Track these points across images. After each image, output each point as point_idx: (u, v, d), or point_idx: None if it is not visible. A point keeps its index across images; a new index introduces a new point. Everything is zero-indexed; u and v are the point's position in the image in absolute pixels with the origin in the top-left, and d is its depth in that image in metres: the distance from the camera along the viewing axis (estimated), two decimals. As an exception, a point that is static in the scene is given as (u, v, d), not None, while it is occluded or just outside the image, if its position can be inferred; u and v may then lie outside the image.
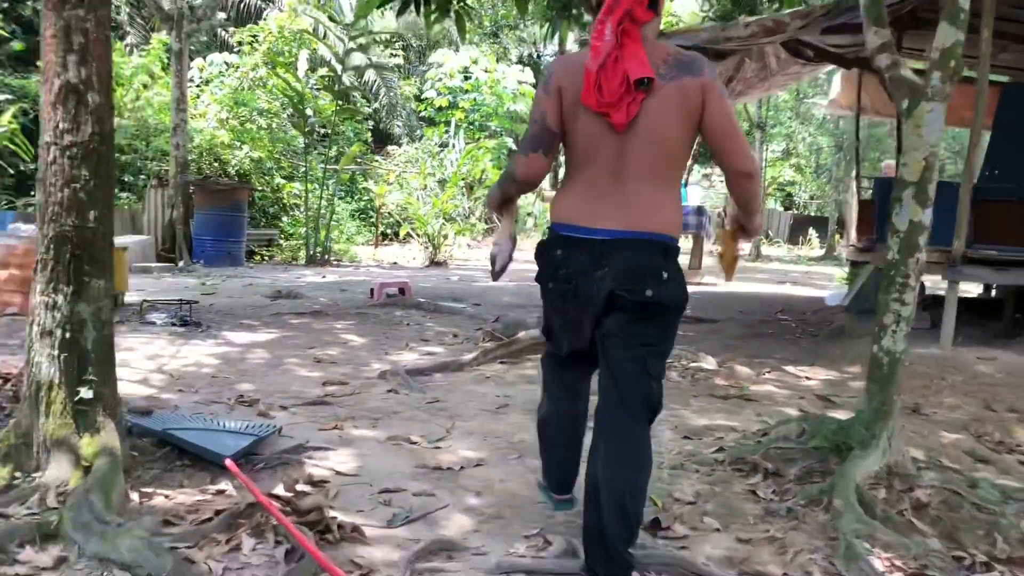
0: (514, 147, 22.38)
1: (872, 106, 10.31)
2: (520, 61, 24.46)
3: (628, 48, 2.18)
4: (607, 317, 2.23)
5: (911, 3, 7.06)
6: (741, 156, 2.24)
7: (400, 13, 7.22)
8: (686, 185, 11.46)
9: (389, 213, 16.71)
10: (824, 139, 22.26)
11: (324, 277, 10.38)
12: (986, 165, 10.43)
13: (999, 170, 10.33)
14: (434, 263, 13.42)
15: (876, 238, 8.99)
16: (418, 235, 13.80)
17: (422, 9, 7.34)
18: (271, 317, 6.63)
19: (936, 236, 9.11)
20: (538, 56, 25.56)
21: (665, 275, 2.20)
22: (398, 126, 23.03)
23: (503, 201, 2.52)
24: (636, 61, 2.16)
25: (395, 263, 13.92)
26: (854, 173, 10.24)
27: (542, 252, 2.37)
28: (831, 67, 9.61)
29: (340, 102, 15.38)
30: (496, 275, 2.57)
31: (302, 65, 13.42)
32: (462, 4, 7.33)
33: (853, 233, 10.26)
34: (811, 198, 28.81)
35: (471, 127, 21.13)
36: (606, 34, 2.19)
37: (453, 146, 16.16)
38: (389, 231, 18.36)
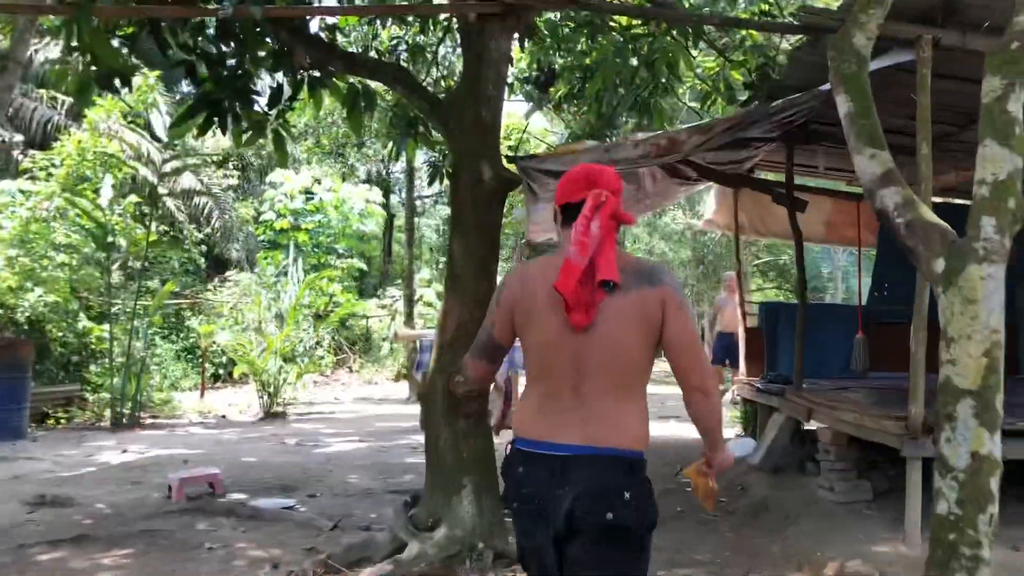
0: (364, 267, 21.10)
1: (751, 225, 9.49)
2: (368, 179, 23.26)
3: (605, 248, 2.17)
4: (570, 543, 2.13)
5: (804, 114, 6.17)
6: (697, 372, 2.20)
7: (201, 133, 5.70)
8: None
9: (222, 350, 14.73)
10: (685, 252, 21.96)
11: (125, 451, 8.35)
12: (873, 285, 9.79)
13: (887, 291, 9.69)
14: (270, 415, 11.53)
15: (777, 377, 7.97)
16: (254, 378, 11.93)
17: (229, 127, 5.88)
18: (7, 554, 4.70)
19: (830, 368, 8.20)
20: (387, 173, 24.45)
21: (627, 495, 2.10)
22: (236, 250, 21.19)
23: None
24: (607, 261, 2.15)
25: (223, 416, 11.92)
26: (737, 299, 9.33)
27: (506, 471, 2.30)
28: (708, 185, 8.73)
29: (161, 230, 13.52)
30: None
31: (107, 192, 11.56)
32: (281, 122, 5.91)
33: (742, 365, 9.22)
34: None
35: (317, 250, 19.53)
36: (593, 229, 2.17)
37: (290, 276, 14.48)
38: (222, 371, 16.28)
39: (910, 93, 5.86)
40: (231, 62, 5.69)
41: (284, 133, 5.94)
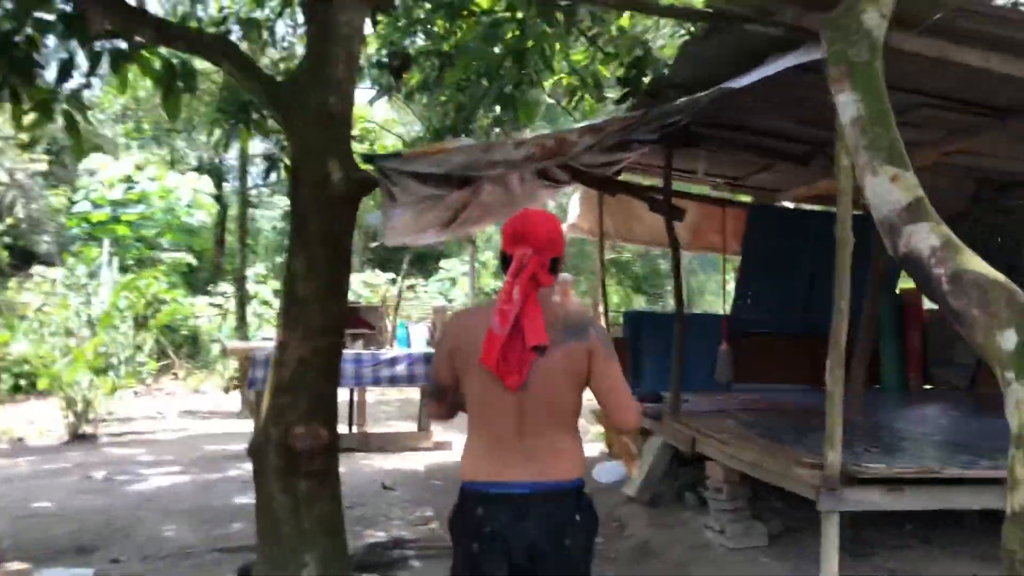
0: (193, 262, 19.43)
1: (616, 230, 8.99)
2: (199, 167, 21.48)
3: (529, 314, 2.32)
4: (536, 568, 2.34)
5: (686, 117, 5.63)
6: (624, 410, 2.44)
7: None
8: (405, 327, 9.39)
9: (26, 360, 12.94)
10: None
11: None
12: (737, 294, 9.53)
13: (752, 299, 9.45)
14: (78, 437, 10.05)
15: (647, 395, 7.46)
16: (59, 395, 10.40)
17: (8, 108, 4.73)
18: None
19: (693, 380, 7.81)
20: (220, 161, 22.67)
21: (578, 518, 2.37)
22: (46, 242, 19.01)
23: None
24: (534, 326, 2.31)
25: (20, 440, 10.31)
26: (602, 309, 8.81)
27: (460, 514, 2.44)
28: (575, 187, 8.12)
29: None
30: None
31: None
32: (74, 101, 4.78)
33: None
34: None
35: (139, 244, 17.74)
36: (514, 295, 2.32)
37: (103, 277, 12.88)
38: (24, 381, 14.36)
39: (802, 94, 5.45)
40: (6, 26, 4.54)
41: (79, 115, 4.81)
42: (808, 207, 9.39)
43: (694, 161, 7.01)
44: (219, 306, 21.04)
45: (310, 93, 4.11)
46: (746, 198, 9.28)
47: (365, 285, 27.41)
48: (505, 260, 2.46)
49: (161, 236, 18.14)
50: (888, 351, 8.93)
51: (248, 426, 8.73)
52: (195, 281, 20.98)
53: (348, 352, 8.88)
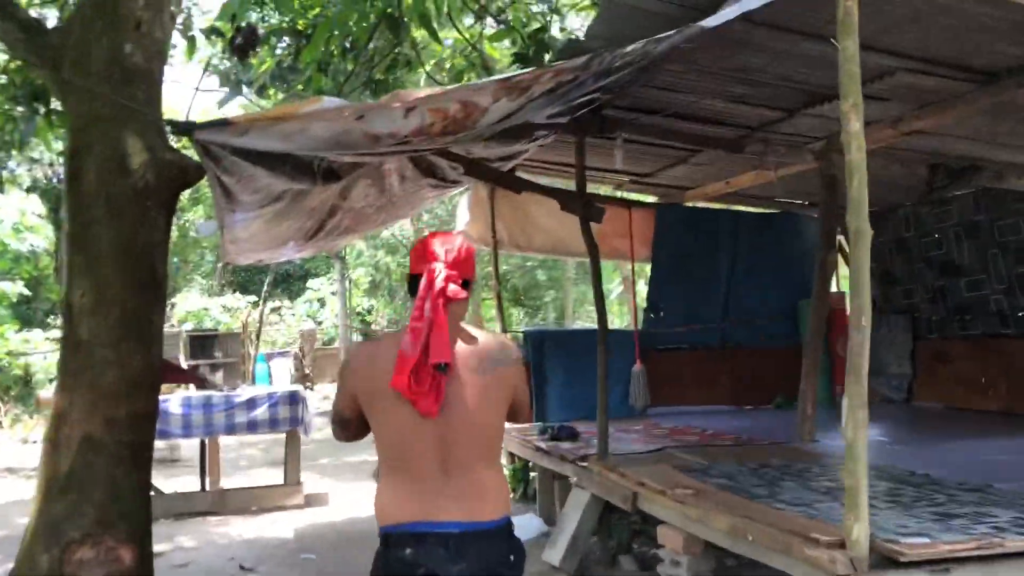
0: (26, 292, 17.11)
1: (510, 238, 7.82)
2: (34, 186, 19.14)
3: (436, 330, 2.19)
4: None
5: (602, 97, 4.56)
6: (525, 417, 2.48)
7: None
8: (267, 360, 7.92)
9: None
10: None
11: None
12: (649, 305, 8.55)
13: (664, 310, 8.49)
14: None
15: (561, 431, 6.32)
16: None
17: None
18: None
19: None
20: (58, 180, 20.19)
21: (512, 558, 2.28)
22: None
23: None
24: (438, 344, 2.17)
25: None
26: (500, 328, 7.63)
27: (385, 562, 2.26)
28: (462, 188, 6.93)
29: None
30: None
31: None
32: None
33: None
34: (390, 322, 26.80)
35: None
36: (426, 312, 2.21)
37: None
38: None
39: (747, 59, 4.44)
40: None
41: None
42: (719, 207, 8.52)
43: (605, 153, 5.93)
44: (58, 339, 18.69)
45: (95, 38, 2.76)
46: (650, 199, 8.32)
47: (224, 310, 25.35)
48: (413, 282, 2.34)
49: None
50: (811, 362, 8.14)
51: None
52: (30, 314, 18.65)
53: (196, 396, 7.35)
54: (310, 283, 27.31)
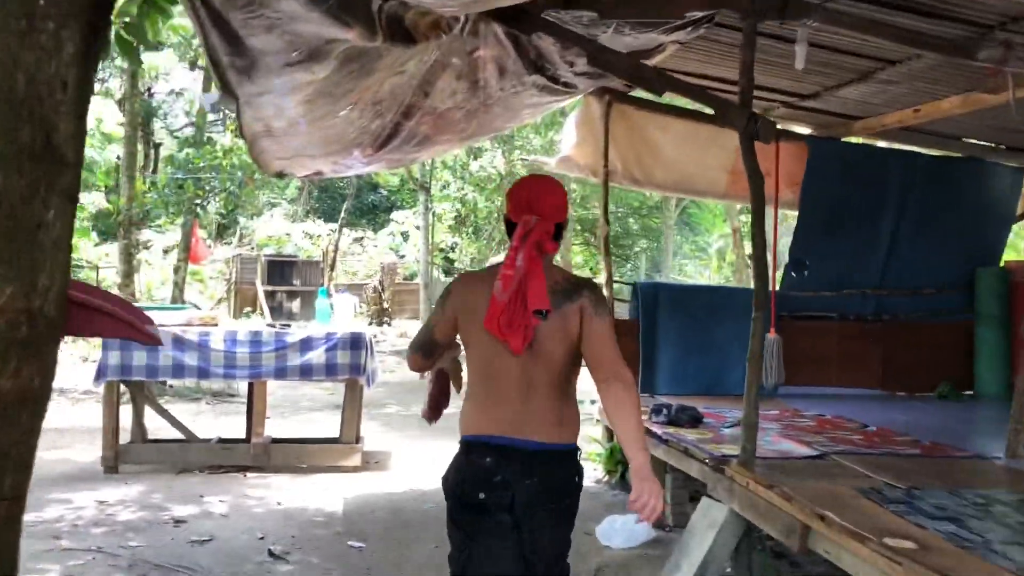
0: (105, 204, 16.52)
1: (624, 170, 6.41)
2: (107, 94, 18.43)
3: (532, 279, 2.36)
4: (530, 524, 2.39)
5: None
6: (607, 362, 2.37)
7: None
8: (327, 295, 6.79)
9: None
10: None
11: None
12: (792, 261, 7.08)
13: (809, 270, 7.01)
14: None
15: (680, 414, 5.00)
16: None
17: None
18: None
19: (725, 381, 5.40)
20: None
21: (577, 479, 2.49)
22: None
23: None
24: (537, 291, 2.35)
25: None
26: (603, 277, 6.28)
27: (464, 464, 2.45)
28: (572, 98, 5.54)
29: None
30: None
31: None
32: None
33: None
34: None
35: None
36: (518, 262, 2.37)
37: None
38: None
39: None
40: None
41: None
42: (887, 145, 6.91)
43: (760, 63, 4.46)
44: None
45: None
46: (802, 130, 6.76)
47: (306, 236, 24.64)
48: (509, 226, 2.49)
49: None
50: (987, 343, 6.58)
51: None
52: (111, 226, 18.17)
53: (244, 329, 6.27)
54: (394, 215, 26.36)
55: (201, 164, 8.76)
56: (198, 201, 9.27)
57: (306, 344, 6.14)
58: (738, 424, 4.88)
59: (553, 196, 2.49)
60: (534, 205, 2.44)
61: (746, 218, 18.66)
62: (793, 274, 6.49)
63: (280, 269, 22.21)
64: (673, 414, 4.84)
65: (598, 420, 6.34)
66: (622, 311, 6.85)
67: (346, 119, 3.67)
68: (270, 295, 21.02)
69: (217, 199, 9.13)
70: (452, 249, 25.21)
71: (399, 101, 3.98)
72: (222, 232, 26.10)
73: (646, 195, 19.27)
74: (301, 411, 9.08)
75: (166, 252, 19.86)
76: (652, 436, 4.74)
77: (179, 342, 6.02)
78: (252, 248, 22.89)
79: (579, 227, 22.72)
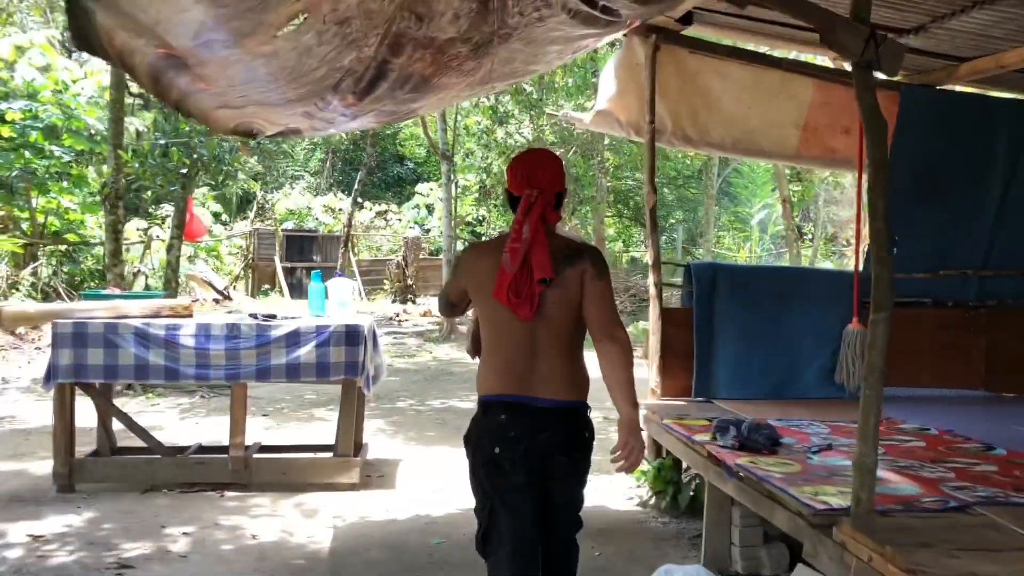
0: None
1: (675, 127, 5.31)
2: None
3: (536, 249, 2.54)
4: (546, 476, 2.59)
5: None
6: (605, 322, 2.59)
7: None
8: (322, 279, 5.78)
9: None
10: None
11: None
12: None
13: (899, 244, 5.84)
14: None
15: (754, 435, 3.93)
16: None
17: None
18: None
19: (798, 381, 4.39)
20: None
21: (587, 435, 2.66)
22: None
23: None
24: (541, 261, 2.53)
25: None
26: (649, 256, 5.18)
27: (482, 421, 2.64)
28: (611, 35, 4.43)
29: None
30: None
31: None
32: None
33: (654, 376, 5.13)
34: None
35: (23, 148, 13.83)
36: (524, 234, 2.54)
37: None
38: None
39: None
40: None
41: None
42: (996, 94, 5.72)
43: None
44: (143, 231, 17.40)
45: None
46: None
47: (327, 210, 23.68)
48: (512, 199, 2.69)
49: (60, 140, 14.23)
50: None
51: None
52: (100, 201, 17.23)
53: (218, 322, 5.29)
54: (418, 187, 25.28)
55: (186, 128, 7.77)
56: (184, 170, 8.24)
57: (293, 339, 5.14)
58: (829, 448, 3.82)
59: (550, 169, 2.69)
60: (532, 179, 2.64)
61: (798, 187, 17.41)
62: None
63: (300, 244, 21.32)
64: (745, 435, 3.76)
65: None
66: (672, 298, 5.77)
67: (299, 46, 2.63)
68: (289, 271, 20.14)
69: (206, 170, 8.12)
70: (479, 223, 24.14)
71: (379, 24, 2.92)
72: (244, 206, 25.25)
73: (687, 161, 17.98)
74: (304, 406, 8.13)
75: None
76: (717, 465, 3.67)
77: (143, 337, 5.06)
78: (270, 223, 21.99)
79: (612, 198, 21.52)
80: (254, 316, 5.44)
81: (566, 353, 2.61)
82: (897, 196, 5.30)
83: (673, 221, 27.57)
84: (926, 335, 5.38)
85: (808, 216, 17.24)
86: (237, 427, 5.27)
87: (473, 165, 16.65)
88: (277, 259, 19.57)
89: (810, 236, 20.45)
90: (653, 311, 5.10)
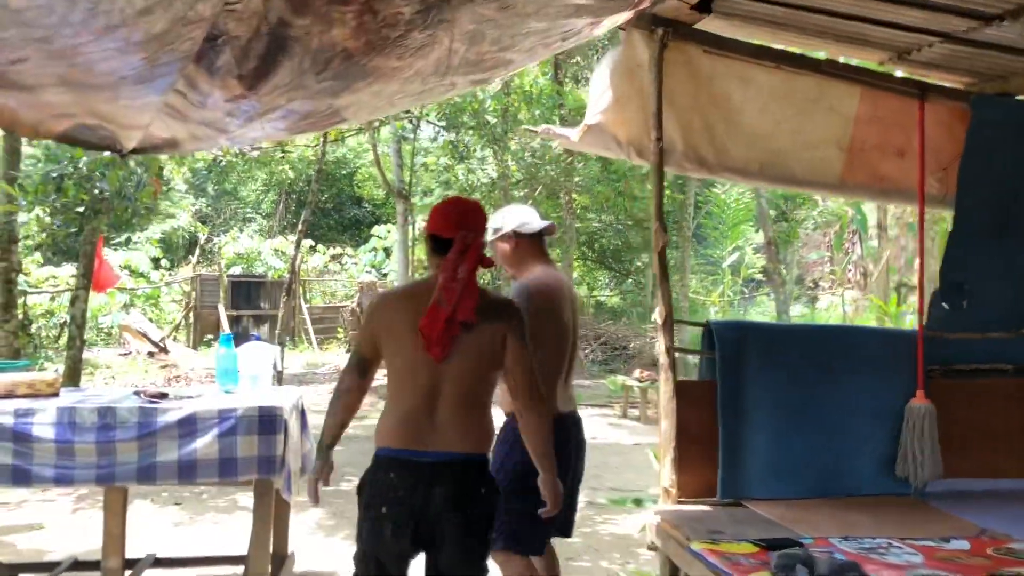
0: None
1: (686, 146, 4.17)
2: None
3: (468, 291, 2.56)
4: (435, 539, 2.55)
5: None
6: (526, 390, 2.66)
7: None
8: (231, 340, 4.52)
9: None
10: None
11: None
12: (945, 284, 4.68)
13: (970, 294, 4.65)
14: None
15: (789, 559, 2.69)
16: None
17: None
18: None
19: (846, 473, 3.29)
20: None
21: (483, 490, 2.61)
22: None
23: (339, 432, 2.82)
24: (465, 306, 2.54)
25: None
26: (658, 314, 3.99)
27: (372, 479, 2.62)
28: (605, 22, 3.25)
29: None
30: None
31: None
32: None
33: (667, 472, 3.89)
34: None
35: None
36: (460, 274, 2.56)
37: None
38: None
39: None
40: None
41: None
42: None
43: None
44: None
45: None
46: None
47: (276, 253, 22.26)
48: (436, 242, 2.69)
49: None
50: None
51: None
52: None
53: (88, 406, 3.97)
54: (375, 229, 23.98)
55: (84, 157, 6.50)
56: (80, 209, 6.95)
57: (188, 427, 3.86)
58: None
59: (482, 215, 2.77)
60: (465, 221, 2.67)
61: (785, 224, 16.54)
62: (945, 304, 4.20)
63: (246, 290, 19.90)
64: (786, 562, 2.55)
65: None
66: (684, 366, 4.58)
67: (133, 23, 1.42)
68: (234, 320, 18.71)
69: (110, 209, 6.86)
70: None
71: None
72: (193, 249, 23.79)
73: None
74: (228, 489, 6.75)
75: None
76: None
77: (-18, 427, 3.74)
78: (215, 268, 20.55)
79: (579, 240, 20.52)
80: (139, 394, 4.13)
81: (469, 405, 2.62)
82: (967, 235, 4.20)
83: (639, 264, 26.60)
84: (1006, 412, 4.23)
85: (775, 258, 16.29)
86: (113, 545, 3.93)
87: (432, 205, 15.49)
88: (221, 307, 18.14)
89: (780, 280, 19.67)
90: (665, 386, 3.88)
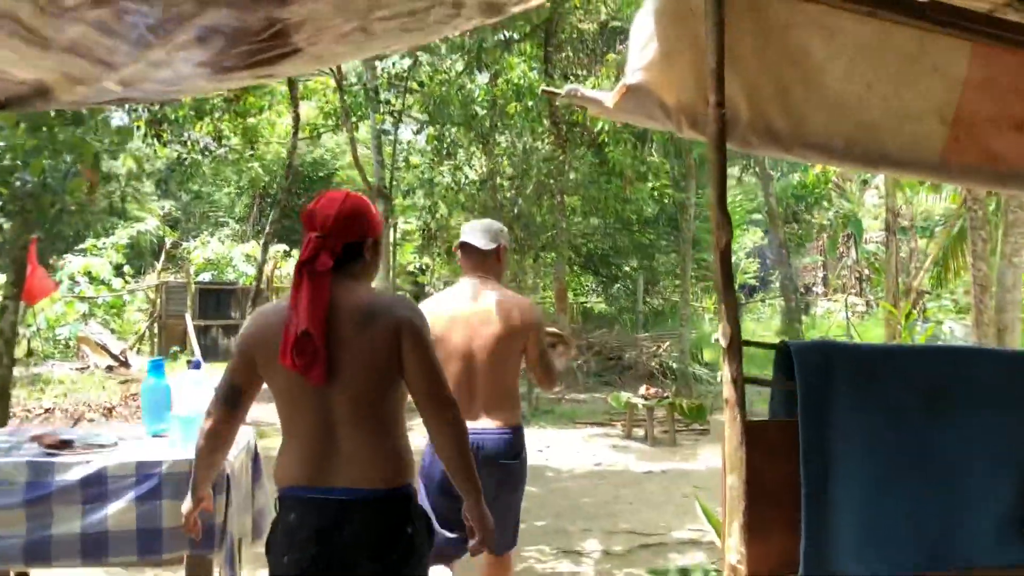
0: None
1: (753, 113, 3.19)
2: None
3: (304, 298, 2.22)
4: None
5: None
6: (428, 395, 2.30)
7: None
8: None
9: None
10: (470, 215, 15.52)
11: None
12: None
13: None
14: None
15: None
16: None
17: None
18: None
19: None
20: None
21: (410, 530, 2.26)
22: None
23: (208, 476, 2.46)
24: (315, 313, 2.20)
25: None
26: (721, 335, 3.07)
27: (276, 524, 2.32)
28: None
29: None
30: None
31: None
32: None
33: (735, 542, 2.94)
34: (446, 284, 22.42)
35: None
36: (300, 286, 2.27)
37: None
38: None
39: None
40: None
41: None
42: None
43: None
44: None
45: None
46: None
47: (248, 259, 21.15)
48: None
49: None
50: None
51: None
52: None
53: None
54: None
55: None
56: (-1, 204, 5.97)
57: (96, 487, 2.90)
58: None
59: (337, 208, 2.34)
60: (315, 220, 2.35)
61: (796, 226, 15.70)
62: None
63: (216, 299, 18.83)
64: None
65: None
66: (756, 402, 3.63)
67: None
68: (203, 330, 17.64)
69: (35, 206, 5.86)
70: (422, 272, 21.98)
71: None
72: (159, 255, 22.65)
73: (660, 201, 16.09)
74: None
75: (71, 278, 16.42)
76: None
77: None
78: (180, 276, 19.46)
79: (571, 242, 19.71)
80: (36, 439, 3.14)
81: (374, 428, 2.28)
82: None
83: (628, 269, 25.71)
84: None
85: (785, 262, 15.50)
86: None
87: (415, 206, 14.51)
88: (188, 316, 17.05)
89: (792, 286, 19.05)
90: (731, 428, 2.93)
